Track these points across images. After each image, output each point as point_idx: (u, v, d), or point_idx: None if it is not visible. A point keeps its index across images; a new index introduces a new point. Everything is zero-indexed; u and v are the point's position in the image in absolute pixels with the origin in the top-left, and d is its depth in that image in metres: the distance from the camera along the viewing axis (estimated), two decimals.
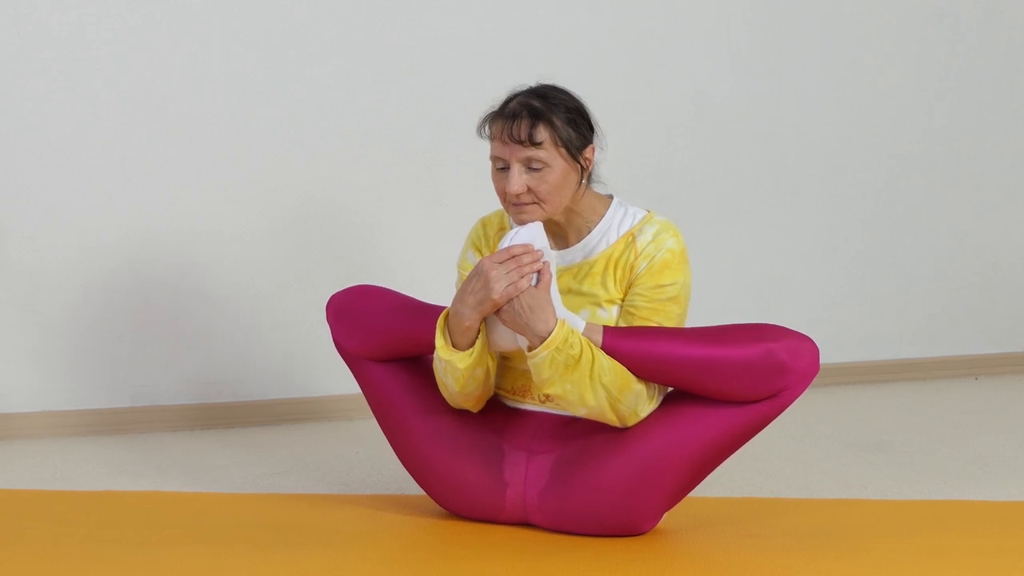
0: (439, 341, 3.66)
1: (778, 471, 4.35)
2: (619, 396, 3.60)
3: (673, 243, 3.73)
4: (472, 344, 3.64)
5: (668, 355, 3.61)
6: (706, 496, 4.00)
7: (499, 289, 3.50)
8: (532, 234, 3.57)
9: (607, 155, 3.82)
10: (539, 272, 3.56)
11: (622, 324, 3.74)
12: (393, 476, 4.17)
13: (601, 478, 3.69)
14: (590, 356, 3.57)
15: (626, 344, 3.61)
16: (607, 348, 3.60)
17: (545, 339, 3.53)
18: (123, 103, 4.81)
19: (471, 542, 3.75)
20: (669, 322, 3.73)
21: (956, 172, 5.68)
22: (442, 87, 5.03)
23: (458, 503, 3.88)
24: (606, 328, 3.63)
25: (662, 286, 3.71)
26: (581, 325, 3.62)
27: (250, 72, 4.95)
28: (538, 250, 3.55)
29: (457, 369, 3.65)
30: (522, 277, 3.52)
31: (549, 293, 3.57)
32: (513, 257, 3.52)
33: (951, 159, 5.66)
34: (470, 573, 3.54)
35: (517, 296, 3.52)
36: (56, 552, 3.68)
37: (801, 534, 3.82)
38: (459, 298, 3.60)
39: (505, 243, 3.55)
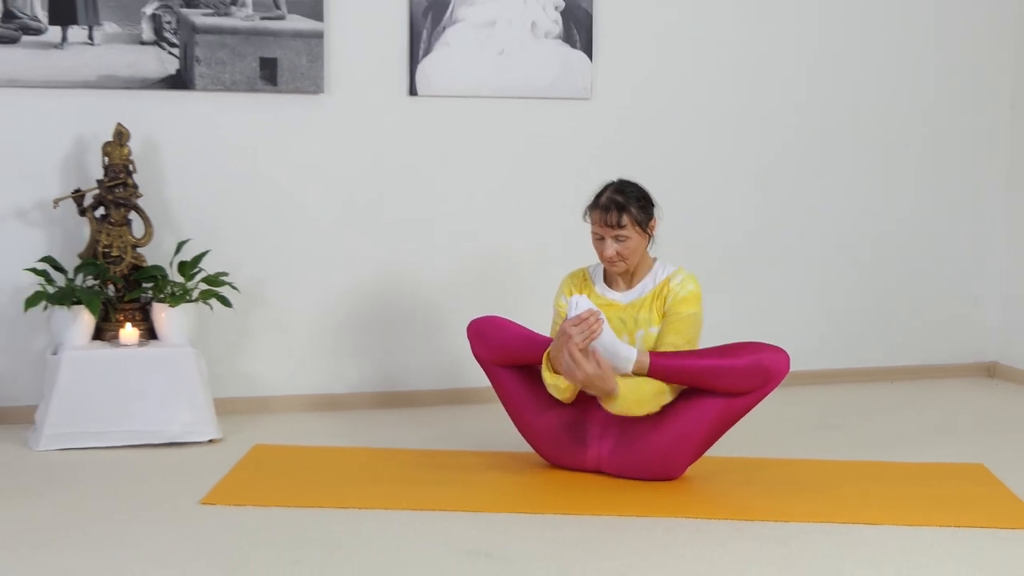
0: (547, 375, 3.75)
1: (765, 441, 4.33)
2: (656, 405, 3.71)
3: (692, 287, 3.81)
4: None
5: (692, 365, 3.68)
6: (716, 456, 3.99)
7: (579, 342, 3.58)
8: (586, 303, 3.64)
9: (663, 223, 3.92)
10: (598, 320, 3.62)
11: (658, 336, 3.78)
12: (513, 440, 4.13)
13: (648, 444, 3.77)
14: (647, 389, 3.68)
15: (665, 360, 3.69)
16: (653, 363, 3.68)
17: (612, 394, 3.64)
18: (329, 193, 4.85)
19: (564, 482, 3.84)
20: (682, 335, 3.77)
21: (885, 250, 5.56)
22: (550, 193, 5.06)
23: (555, 457, 3.95)
24: (652, 353, 3.69)
25: (680, 312, 3.78)
26: (633, 355, 3.68)
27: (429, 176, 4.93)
28: (596, 310, 3.62)
29: (561, 389, 3.74)
30: (592, 333, 3.59)
31: (610, 371, 3.63)
32: (583, 320, 3.59)
33: (884, 239, 5.56)
34: (563, 500, 3.64)
35: (589, 380, 3.60)
36: (301, 484, 3.79)
37: (780, 482, 3.88)
38: (556, 351, 3.66)
39: (571, 312, 3.62)
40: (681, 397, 3.76)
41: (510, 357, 3.94)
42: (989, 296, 5.68)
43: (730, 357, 3.67)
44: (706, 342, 3.95)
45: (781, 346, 3.79)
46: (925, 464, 4.11)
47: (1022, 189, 5.55)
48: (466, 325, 4.11)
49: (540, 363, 3.83)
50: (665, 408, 3.76)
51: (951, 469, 4.05)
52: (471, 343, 4.01)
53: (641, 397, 3.67)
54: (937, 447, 4.35)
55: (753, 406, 3.75)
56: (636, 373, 3.70)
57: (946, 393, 5.30)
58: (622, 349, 3.68)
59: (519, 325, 4.00)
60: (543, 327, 4.20)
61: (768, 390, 3.72)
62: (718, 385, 3.69)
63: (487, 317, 4.05)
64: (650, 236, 3.84)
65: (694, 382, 3.71)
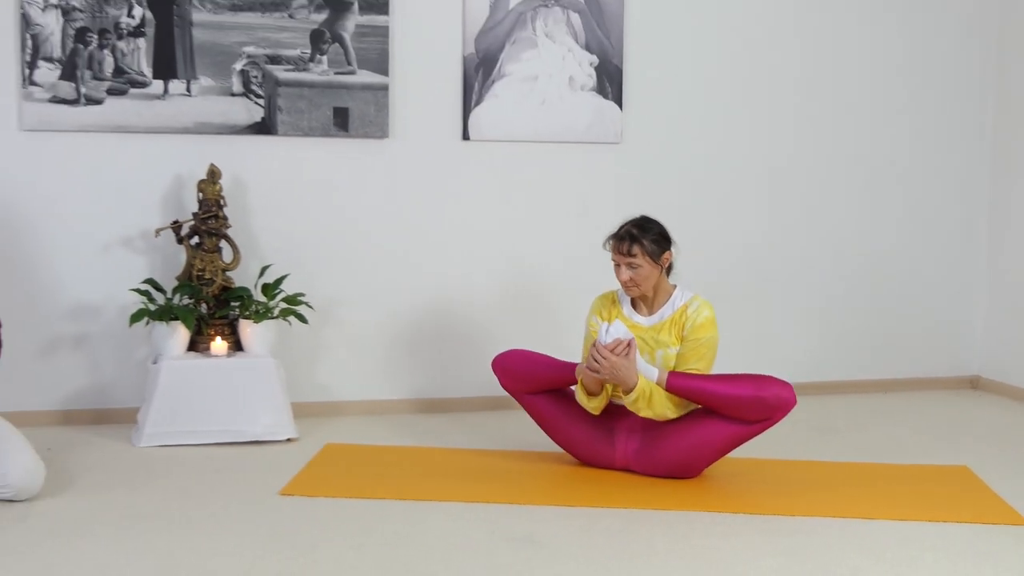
0: (581, 398, 3.76)
1: (773, 444, 4.23)
2: (668, 411, 3.67)
3: (708, 313, 3.76)
4: (599, 392, 3.73)
5: (703, 390, 3.64)
6: (730, 457, 3.94)
7: (606, 374, 3.62)
8: (618, 330, 3.63)
9: (680, 257, 3.88)
10: (628, 346, 3.61)
11: (678, 359, 3.74)
12: (548, 441, 4.07)
13: (669, 450, 3.75)
14: (660, 395, 3.64)
15: (679, 383, 3.66)
16: (669, 385, 3.65)
17: (633, 389, 3.62)
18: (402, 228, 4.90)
19: (596, 478, 3.82)
20: (703, 360, 3.72)
21: (879, 274, 5.51)
22: (584, 225, 5.03)
23: (587, 460, 3.92)
24: (669, 373, 3.67)
25: (699, 338, 3.74)
26: (655, 374, 3.66)
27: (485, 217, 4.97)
28: (628, 337, 3.62)
29: (592, 407, 3.75)
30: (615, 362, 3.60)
31: (635, 362, 3.62)
32: (612, 351, 3.60)
33: (879, 265, 5.48)
34: (596, 495, 3.63)
35: (614, 368, 3.58)
36: (366, 479, 3.78)
37: (786, 481, 3.85)
38: (587, 374, 3.68)
39: (603, 337, 3.62)
40: (701, 411, 3.73)
41: (537, 385, 3.89)
42: (973, 316, 5.60)
43: (738, 389, 3.60)
44: (722, 356, 3.91)
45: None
46: (915, 466, 4.07)
47: (1001, 221, 5.49)
48: (506, 344, 4.08)
49: (565, 386, 3.83)
50: (685, 419, 3.73)
51: (939, 471, 4.01)
52: (498, 377, 3.96)
53: (653, 399, 3.65)
54: (926, 451, 4.31)
55: (758, 434, 3.69)
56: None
57: (934, 403, 5.24)
58: (644, 369, 3.68)
59: (541, 354, 3.95)
60: (574, 345, 4.20)
61: (774, 421, 3.64)
62: (724, 411, 3.64)
63: (510, 352, 3.98)
64: (663, 267, 3.79)
65: (704, 404, 3.67)
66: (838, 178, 5.38)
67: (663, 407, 3.66)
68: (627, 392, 3.64)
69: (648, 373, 3.67)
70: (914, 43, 5.41)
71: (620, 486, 3.71)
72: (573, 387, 3.87)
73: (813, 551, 3.13)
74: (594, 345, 3.63)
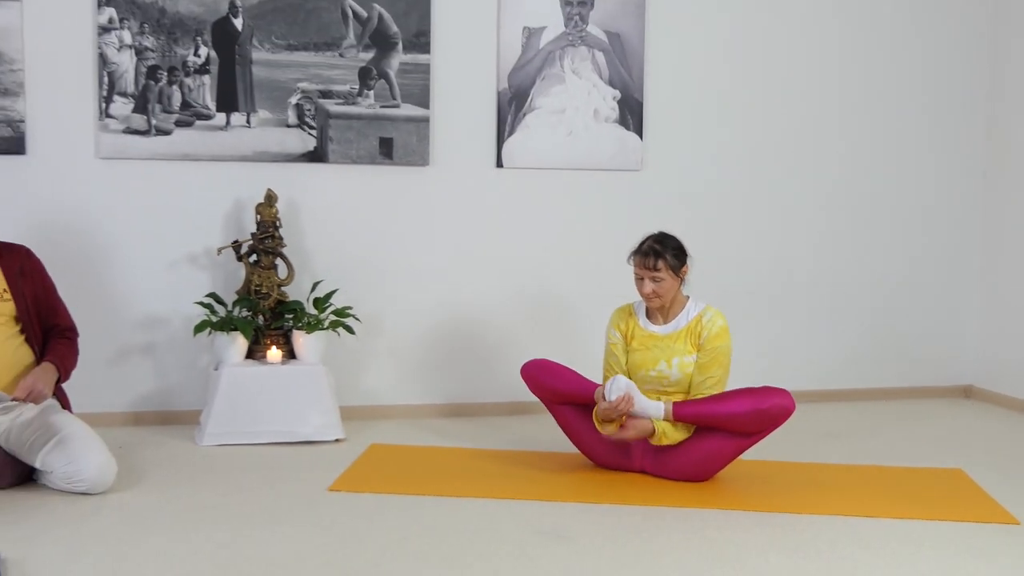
0: (596, 422, 3.72)
1: (780, 447, 4.23)
2: (684, 436, 3.66)
3: (722, 323, 3.74)
4: (612, 420, 3.67)
5: (708, 413, 3.62)
6: (740, 460, 3.91)
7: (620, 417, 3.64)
8: (620, 385, 3.61)
9: (693, 271, 3.85)
10: (629, 398, 3.60)
11: (698, 368, 3.70)
12: (567, 442, 4.06)
13: (682, 460, 3.72)
14: (673, 428, 3.64)
15: (685, 411, 3.64)
16: (675, 415, 3.64)
17: (652, 435, 3.65)
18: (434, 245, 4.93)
19: (617, 478, 3.81)
20: (721, 366, 3.70)
21: (880, 293, 5.47)
22: (606, 245, 5.04)
23: (607, 466, 3.89)
24: (674, 404, 3.65)
25: (716, 347, 3.71)
26: (660, 410, 3.65)
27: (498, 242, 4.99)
28: (628, 395, 3.60)
29: (606, 432, 3.70)
30: (622, 412, 3.62)
31: (641, 411, 3.63)
32: (616, 408, 3.59)
33: (880, 284, 5.45)
34: (617, 493, 3.63)
35: (638, 432, 3.62)
36: (409, 476, 3.79)
37: (793, 481, 3.82)
38: (599, 422, 3.69)
39: (609, 391, 3.61)
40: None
41: (558, 397, 3.87)
42: (967, 328, 5.54)
43: (740, 406, 3.58)
44: (733, 365, 3.89)
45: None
46: (913, 468, 4.04)
47: (994, 237, 5.44)
48: (532, 355, 4.05)
49: (586, 401, 3.80)
50: (696, 432, 3.71)
51: (935, 473, 3.97)
52: (527, 384, 3.93)
53: (672, 437, 3.65)
54: (922, 455, 4.26)
55: (761, 438, 3.68)
56: (664, 419, 3.68)
57: (929, 411, 5.19)
58: (651, 408, 3.67)
59: (566, 368, 3.90)
60: (594, 355, 4.17)
61: (777, 426, 3.62)
62: (730, 428, 3.62)
63: (538, 361, 3.95)
64: (682, 279, 3.78)
65: (711, 425, 3.65)
66: (841, 199, 5.34)
67: (680, 437, 3.67)
68: (648, 437, 3.66)
69: (656, 411, 3.66)
70: (913, 66, 5.36)
71: (640, 485, 3.70)
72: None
73: (819, 546, 3.11)
74: (603, 405, 3.63)
